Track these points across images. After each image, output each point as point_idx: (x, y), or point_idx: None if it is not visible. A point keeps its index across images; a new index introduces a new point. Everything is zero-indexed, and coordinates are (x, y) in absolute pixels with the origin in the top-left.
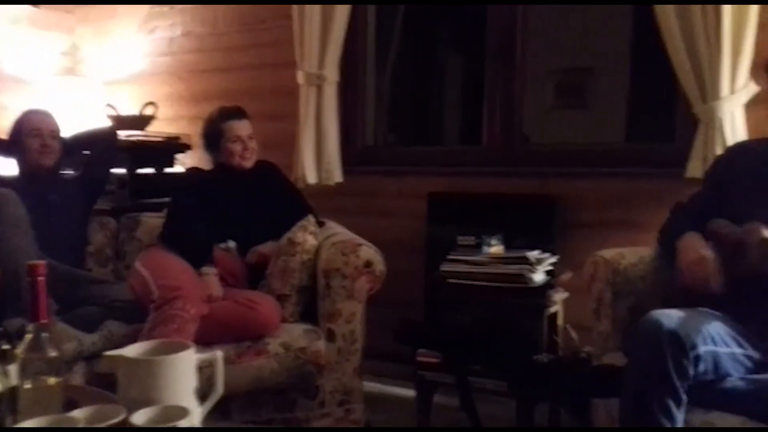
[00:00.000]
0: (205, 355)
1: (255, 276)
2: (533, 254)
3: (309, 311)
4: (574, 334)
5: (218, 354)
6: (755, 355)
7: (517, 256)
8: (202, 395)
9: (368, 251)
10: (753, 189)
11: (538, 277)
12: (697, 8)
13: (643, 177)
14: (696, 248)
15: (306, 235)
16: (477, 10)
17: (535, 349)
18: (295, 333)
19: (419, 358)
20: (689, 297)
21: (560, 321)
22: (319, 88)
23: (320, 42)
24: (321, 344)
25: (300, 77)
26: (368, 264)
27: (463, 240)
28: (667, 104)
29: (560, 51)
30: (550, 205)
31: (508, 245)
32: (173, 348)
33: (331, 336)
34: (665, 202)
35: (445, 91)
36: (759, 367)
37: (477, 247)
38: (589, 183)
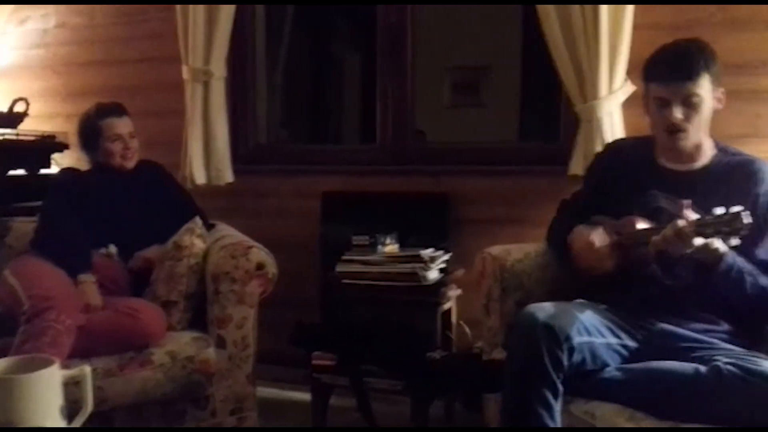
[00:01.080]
0: (72, 371)
1: (139, 283)
2: (427, 252)
3: (198, 318)
4: (467, 330)
5: (86, 369)
6: (631, 344)
7: (410, 254)
8: (72, 413)
9: (259, 253)
10: (629, 185)
11: (432, 274)
12: (576, 10)
13: (530, 174)
14: (585, 236)
15: (193, 239)
16: (368, 9)
17: (429, 347)
18: (183, 341)
19: (314, 361)
20: (578, 289)
21: (454, 317)
22: (206, 84)
23: (206, 36)
24: (210, 352)
25: (185, 72)
26: (260, 266)
27: (357, 240)
28: (554, 103)
29: (456, 49)
30: (443, 202)
31: (403, 244)
32: (39, 364)
33: (221, 343)
34: (551, 198)
35: (344, 89)
36: (634, 355)
37: (372, 247)
38: (480, 181)
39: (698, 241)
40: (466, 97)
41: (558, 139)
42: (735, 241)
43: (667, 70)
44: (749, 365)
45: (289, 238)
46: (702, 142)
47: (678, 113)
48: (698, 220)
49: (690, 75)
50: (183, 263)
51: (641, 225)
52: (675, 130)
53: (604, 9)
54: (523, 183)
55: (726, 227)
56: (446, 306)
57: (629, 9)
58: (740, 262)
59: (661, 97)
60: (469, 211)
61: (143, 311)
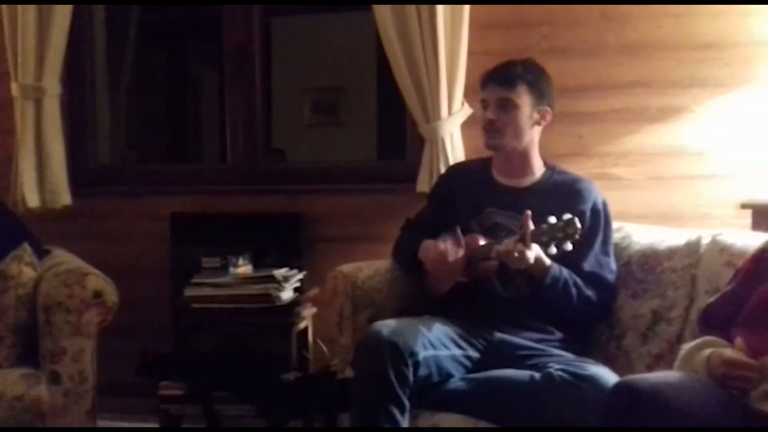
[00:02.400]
0: None
1: None
2: (280, 272)
3: (30, 352)
4: (324, 349)
5: None
6: (474, 354)
7: (263, 275)
8: None
9: (97, 280)
10: (468, 204)
11: (286, 294)
12: (416, 35)
13: (382, 192)
14: (438, 248)
15: (21, 267)
16: (218, 26)
17: (284, 369)
18: (10, 379)
19: (161, 391)
20: (426, 303)
21: (311, 337)
22: (39, 102)
23: (37, 50)
24: (42, 389)
25: (14, 89)
26: (97, 294)
27: (208, 262)
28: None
29: (315, 70)
30: (296, 222)
31: (258, 264)
32: None
33: (55, 378)
34: (402, 215)
35: (202, 107)
36: (477, 365)
37: (223, 269)
38: (333, 199)
39: (530, 254)
40: (325, 117)
41: (404, 157)
42: (569, 246)
43: (489, 76)
44: (578, 370)
45: (136, 262)
46: (531, 160)
47: (491, 113)
48: (535, 229)
49: (505, 81)
50: (10, 294)
51: (483, 242)
52: (489, 129)
53: (442, 35)
54: (376, 201)
55: (560, 233)
56: (302, 326)
57: (464, 36)
58: (566, 274)
59: (483, 99)
60: (323, 230)
61: None
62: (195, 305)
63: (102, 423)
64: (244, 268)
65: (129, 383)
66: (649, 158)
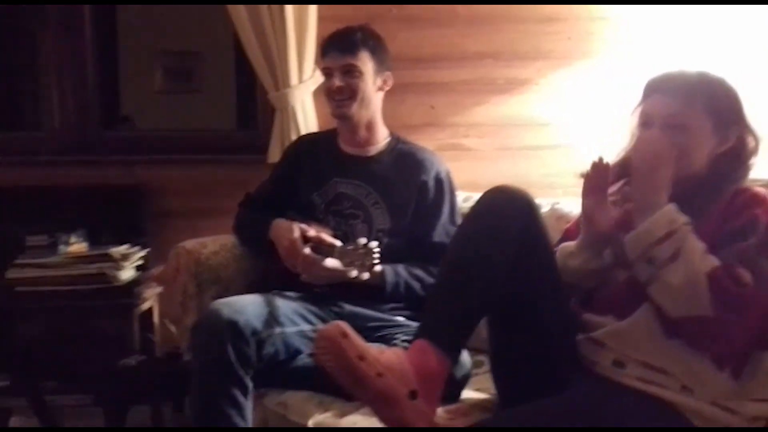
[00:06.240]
0: None
1: None
2: (119, 250)
3: None
4: (173, 329)
5: None
6: None
7: (97, 253)
8: None
9: None
10: (313, 174)
11: (126, 273)
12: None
13: (230, 163)
14: (286, 234)
15: None
16: None
17: (125, 353)
18: None
19: None
20: (273, 280)
21: (156, 318)
22: None
23: None
24: None
25: None
26: None
27: (33, 240)
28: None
29: (168, 34)
30: (137, 195)
31: (95, 242)
32: None
33: None
34: (251, 187)
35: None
36: None
37: (52, 248)
38: (179, 171)
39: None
40: (180, 84)
41: (256, 126)
42: (365, 276)
43: (331, 44)
44: None
45: None
46: (376, 128)
47: (338, 80)
48: (338, 247)
49: (348, 48)
50: None
51: (327, 238)
52: (337, 97)
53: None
54: (225, 172)
55: (358, 260)
56: (145, 306)
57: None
58: (403, 272)
59: (326, 67)
60: (169, 204)
61: None
62: (19, 288)
63: None
64: (76, 246)
65: None
66: (497, 129)
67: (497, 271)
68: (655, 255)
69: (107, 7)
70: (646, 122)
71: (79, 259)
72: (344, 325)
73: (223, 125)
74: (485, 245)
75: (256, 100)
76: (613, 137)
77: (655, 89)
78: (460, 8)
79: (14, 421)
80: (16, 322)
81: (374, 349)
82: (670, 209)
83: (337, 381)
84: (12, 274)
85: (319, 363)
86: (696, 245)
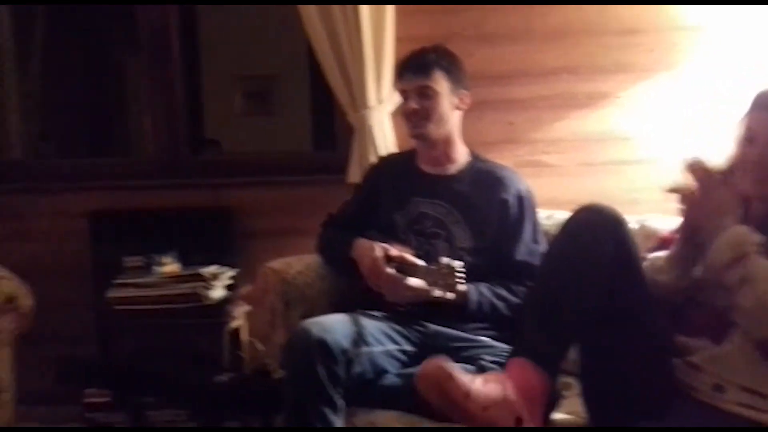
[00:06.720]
0: None
1: None
2: (209, 270)
3: None
4: (260, 347)
5: None
6: (409, 348)
7: (190, 273)
8: None
9: (10, 284)
10: (394, 195)
11: (216, 293)
12: (340, 21)
13: (314, 184)
14: (369, 253)
15: None
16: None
17: (216, 370)
18: None
19: (86, 399)
20: (357, 299)
21: (244, 336)
22: None
23: None
24: None
25: None
26: (10, 300)
27: (131, 261)
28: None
29: (248, 57)
30: (225, 216)
31: (187, 262)
32: None
33: None
34: (332, 207)
35: (127, 95)
36: (412, 359)
37: (148, 268)
38: (262, 192)
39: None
40: (257, 106)
41: (337, 148)
42: (450, 295)
43: (404, 66)
44: None
45: (54, 263)
46: (454, 147)
47: (413, 102)
48: (422, 266)
49: (421, 69)
50: None
51: (410, 258)
52: (413, 118)
53: (366, 21)
54: (307, 193)
55: (441, 280)
56: (234, 325)
57: (389, 22)
58: (487, 292)
59: (402, 90)
60: (254, 224)
61: None
62: (119, 307)
63: None
64: (170, 266)
65: (52, 391)
66: (578, 144)
67: (590, 292)
68: (726, 279)
69: (191, 34)
70: (750, 138)
71: (173, 279)
72: (446, 365)
73: (298, 147)
74: (578, 265)
75: (332, 121)
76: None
77: (764, 106)
78: (536, 23)
79: None
80: (116, 340)
81: (478, 381)
82: (735, 232)
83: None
84: (112, 293)
85: (423, 397)
86: (765, 267)
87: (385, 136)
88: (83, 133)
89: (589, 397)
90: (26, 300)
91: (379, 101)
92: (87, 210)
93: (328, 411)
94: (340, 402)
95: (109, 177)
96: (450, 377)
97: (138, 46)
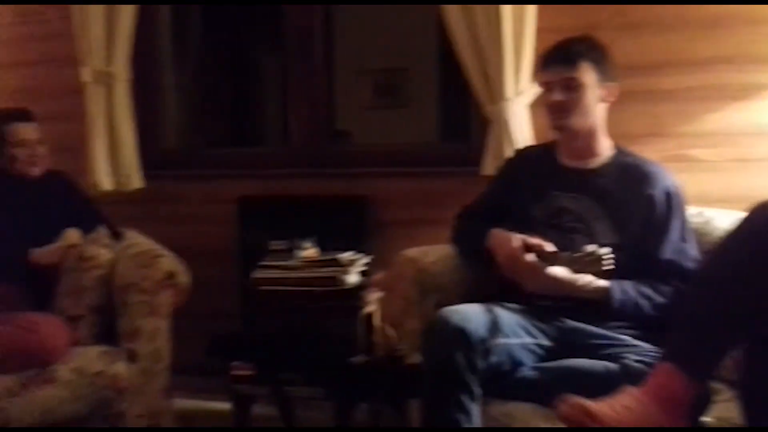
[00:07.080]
0: None
1: (41, 297)
2: (345, 256)
3: (109, 331)
4: (391, 333)
5: None
6: (546, 342)
7: (328, 258)
8: None
9: (170, 262)
10: (532, 188)
11: (352, 278)
12: (480, 13)
13: (447, 175)
14: (506, 243)
15: (98, 249)
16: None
17: (351, 352)
18: (90, 356)
19: (233, 372)
20: (494, 290)
21: (377, 321)
22: (109, 87)
23: (106, 35)
24: (120, 366)
25: (85, 74)
26: (170, 276)
27: (275, 245)
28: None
29: (376, 51)
30: (362, 205)
31: (324, 248)
32: None
33: (132, 356)
34: (466, 199)
35: (264, 90)
36: (549, 354)
37: (289, 252)
38: (399, 182)
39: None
40: (387, 99)
41: (469, 139)
42: (601, 283)
43: (550, 57)
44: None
45: (205, 245)
46: (598, 140)
47: (558, 95)
48: (565, 254)
49: (568, 60)
50: (89, 275)
51: (550, 248)
52: (557, 110)
53: (507, 11)
54: (440, 184)
55: (588, 268)
56: (368, 310)
57: (531, 13)
58: (631, 290)
59: (545, 82)
60: (388, 213)
61: (43, 325)
62: (263, 287)
63: (176, 400)
64: (309, 251)
65: (200, 363)
66: (730, 139)
67: (763, 298)
68: None
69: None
70: None
71: (312, 263)
72: (586, 404)
73: (425, 138)
74: (752, 269)
75: (463, 113)
76: None
77: None
78: (689, 11)
79: (254, 408)
80: (260, 318)
81: (619, 411)
82: None
83: None
84: (257, 274)
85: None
86: None
87: (521, 128)
88: (224, 126)
89: (751, 406)
90: (183, 277)
91: (517, 93)
92: (236, 196)
93: (465, 398)
94: (477, 390)
95: (255, 166)
96: (591, 415)
97: (279, 45)
